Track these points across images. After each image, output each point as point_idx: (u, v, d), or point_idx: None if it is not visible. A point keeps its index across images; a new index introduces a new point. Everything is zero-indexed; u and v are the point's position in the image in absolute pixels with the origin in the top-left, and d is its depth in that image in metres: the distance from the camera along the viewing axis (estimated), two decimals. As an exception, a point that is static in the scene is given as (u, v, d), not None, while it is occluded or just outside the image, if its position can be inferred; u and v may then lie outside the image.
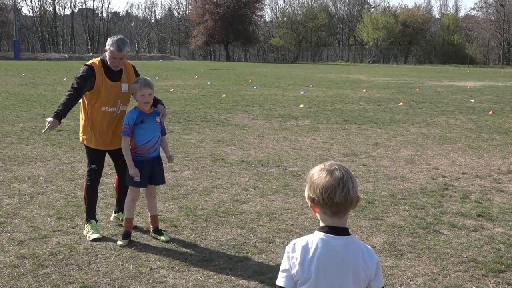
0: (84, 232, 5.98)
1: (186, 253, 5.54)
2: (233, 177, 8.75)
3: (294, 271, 2.49)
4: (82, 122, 6.05)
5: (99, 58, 5.99)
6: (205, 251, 5.61)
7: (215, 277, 4.99)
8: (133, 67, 6.22)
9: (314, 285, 2.45)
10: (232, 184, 8.35)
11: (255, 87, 27.64)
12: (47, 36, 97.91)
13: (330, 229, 2.48)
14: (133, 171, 5.65)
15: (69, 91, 5.81)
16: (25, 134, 12.20)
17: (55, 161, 9.61)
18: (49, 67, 45.96)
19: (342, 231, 2.49)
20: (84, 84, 5.77)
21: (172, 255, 5.46)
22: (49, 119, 5.63)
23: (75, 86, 5.77)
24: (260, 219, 6.68)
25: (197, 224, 6.45)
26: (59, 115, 5.65)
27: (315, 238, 2.48)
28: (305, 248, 2.47)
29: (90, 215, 6.08)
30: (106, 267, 5.14)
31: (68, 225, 6.28)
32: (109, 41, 5.83)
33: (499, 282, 5.02)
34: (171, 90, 24.88)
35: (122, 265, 5.20)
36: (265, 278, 4.98)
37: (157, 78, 33.82)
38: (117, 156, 6.16)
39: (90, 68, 5.84)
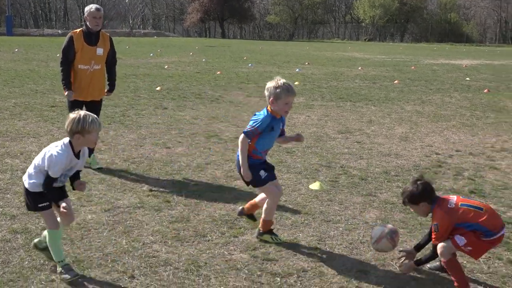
0: None
1: (179, 228, 5.54)
2: (227, 154, 8.74)
3: None
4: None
5: (81, 28, 7.64)
6: (198, 226, 5.62)
7: (207, 252, 5.00)
8: (110, 38, 7.83)
9: None
10: (226, 160, 8.34)
11: (250, 65, 27.52)
12: (40, 11, 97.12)
13: None
14: (247, 173, 5.08)
15: (61, 67, 7.59)
16: (17, 110, 12.13)
17: (48, 137, 9.57)
18: (42, 43, 45.66)
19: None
20: (68, 54, 7.47)
21: (165, 231, 5.46)
22: (67, 92, 7.53)
23: (62, 60, 7.55)
24: (253, 195, 6.67)
25: (190, 200, 6.45)
26: (69, 87, 7.53)
27: None
28: None
29: None
30: (98, 242, 5.14)
31: (61, 200, 6.25)
32: (87, 8, 7.50)
33: (489, 257, 5.04)
34: (166, 67, 24.75)
35: (115, 240, 5.20)
36: (257, 253, 4.99)
37: (151, 54, 33.64)
38: (91, 108, 7.46)
39: (70, 37, 7.52)
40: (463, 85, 20.21)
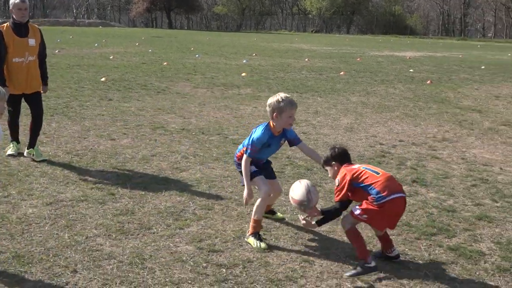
0: (6, 149, 7.75)
1: (123, 221, 5.46)
2: (173, 145, 8.67)
3: None
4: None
5: (7, 23, 7.41)
6: (143, 219, 5.55)
7: (152, 244, 4.95)
8: (40, 30, 7.70)
9: None
10: (172, 152, 8.27)
11: (197, 55, 27.34)
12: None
13: None
14: (247, 193, 5.10)
15: None
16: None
17: (-13, 129, 9.27)
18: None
19: None
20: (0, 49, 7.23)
21: (109, 224, 5.38)
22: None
23: None
24: (199, 187, 6.66)
25: (135, 192, 6.36)
26: (2, 83, 7.13)
27: None
28: None
29: (13, 138, 7.84)
30: (40, 236, 5.01)
31: (0, 194, 6.07)
32: (11, 1, 7.29)
33: (430, 244, 5.18)
34: (111, 57, 24.33)
35: (56, 234, 5.09)
36: (203, 245, 4.97)
37: (96, 45, 32.99)
38: (30, 100, 7.65)
39: None
40: (406, 76, 20.63)
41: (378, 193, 4.45)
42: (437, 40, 71.69)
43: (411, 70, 23.00)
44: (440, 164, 8.16)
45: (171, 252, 4.81)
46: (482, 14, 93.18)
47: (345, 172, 4.68)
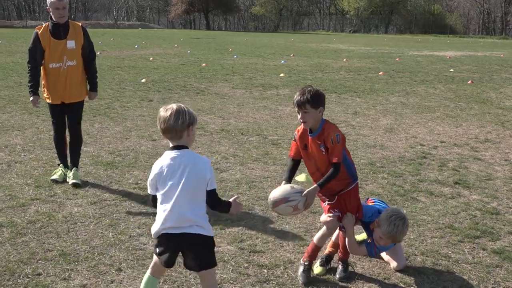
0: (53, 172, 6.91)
1: (165, 221, 5.53)
2: (213, 146, 8.74)
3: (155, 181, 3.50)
4: (43, 82, 6.65)
5: (46, 24, 6.53)
6: (184, 218, 5.61)
7: (194, 244, 5.00)
8: (83, 28, 6.67)
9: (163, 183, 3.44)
10: (212, 152, 8.34)
11: (235, 56, 27.46)
12: (23, 3, 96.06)
13: (172, 148, 3.48)
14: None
15: (28, 67, 6.56)
16: (1, 103, 12.02)
17: (32, 129, 9.50)
18: (25, 34, 45.12)
19: (180, 148, 3.46)
20: (35, 53, 6.43)
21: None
22: (31, 98, 6.59)
23: (28, 60, 6.50)
24: (239, 187, 6.70)
25: (176, 192, 6.43)
26: (33, 92, 6.54)
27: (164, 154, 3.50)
28: (158, 163, 3.47)
29: (60, 160, 6.86)
30: (85, 235, 5.12)
31: (47, 193, 6.23)
32: (48, 0, 6.37)
33: (474, 247, 5.10)
34: (151, 59, 24.63)
35: (101, 233, 5.19)
36: (244, 245, 5.01)
37: (136, 46, 33.43)
38: (70, 111, 6.71)
39: (35, 35, 6.42)
40: (447, 76, 20.33)
41: (352, 167, 4.35)
42: (477, 39, 70.42)
43: (451, 70, 22.66)
44: (483, 165, 8.02)
45: (213, 252, 4.85)
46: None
47: (338, 129, 4.25)
